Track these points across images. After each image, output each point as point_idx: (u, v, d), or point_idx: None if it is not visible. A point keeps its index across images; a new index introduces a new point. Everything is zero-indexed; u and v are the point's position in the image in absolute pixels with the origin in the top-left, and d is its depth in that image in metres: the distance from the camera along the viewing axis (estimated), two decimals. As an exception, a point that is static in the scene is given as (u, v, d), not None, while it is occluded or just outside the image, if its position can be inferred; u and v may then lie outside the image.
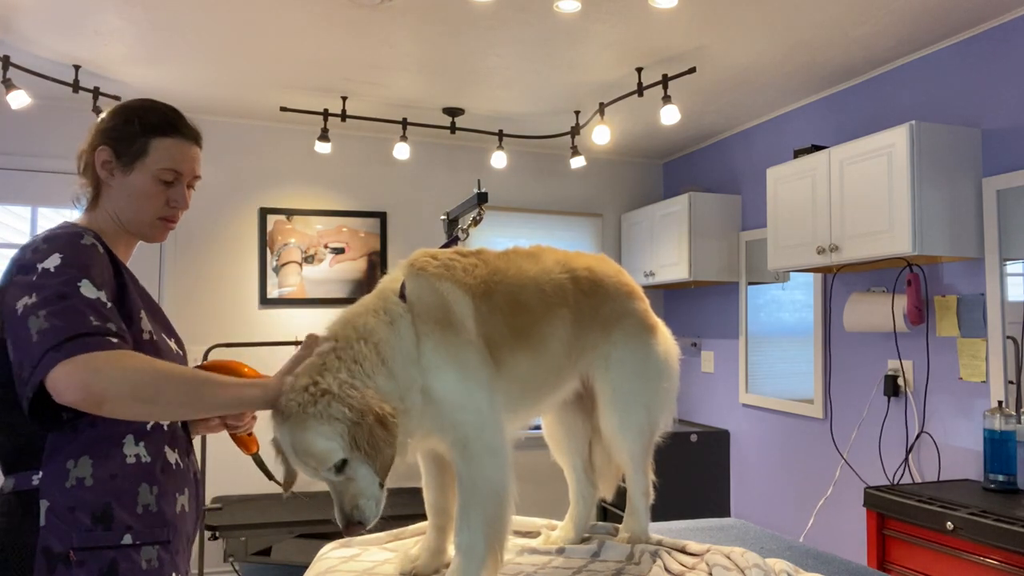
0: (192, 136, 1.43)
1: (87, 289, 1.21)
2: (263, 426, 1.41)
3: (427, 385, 1.41)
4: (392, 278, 1.53)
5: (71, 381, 1.11)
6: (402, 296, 1.46)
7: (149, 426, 1.32)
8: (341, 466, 1.28)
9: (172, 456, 1.37)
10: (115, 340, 1.18)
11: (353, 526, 1.29)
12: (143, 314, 1.34)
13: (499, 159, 4.40)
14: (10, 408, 1.25)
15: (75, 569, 1.20)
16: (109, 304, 1.23)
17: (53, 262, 1.23)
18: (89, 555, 1.21)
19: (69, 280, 1.21)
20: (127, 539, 1.25)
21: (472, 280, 1.52)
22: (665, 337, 1.83)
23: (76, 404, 1.12)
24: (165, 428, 1.35)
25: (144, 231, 1.41)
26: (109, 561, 1.23)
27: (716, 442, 4.48)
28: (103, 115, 1.43)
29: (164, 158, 1.38)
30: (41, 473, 1.23)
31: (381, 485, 1.33)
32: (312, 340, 1.39)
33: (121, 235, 1.41)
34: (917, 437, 3.20)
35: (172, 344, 1.43)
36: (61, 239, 1.27)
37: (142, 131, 1.37)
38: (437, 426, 1.43)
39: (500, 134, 4.45)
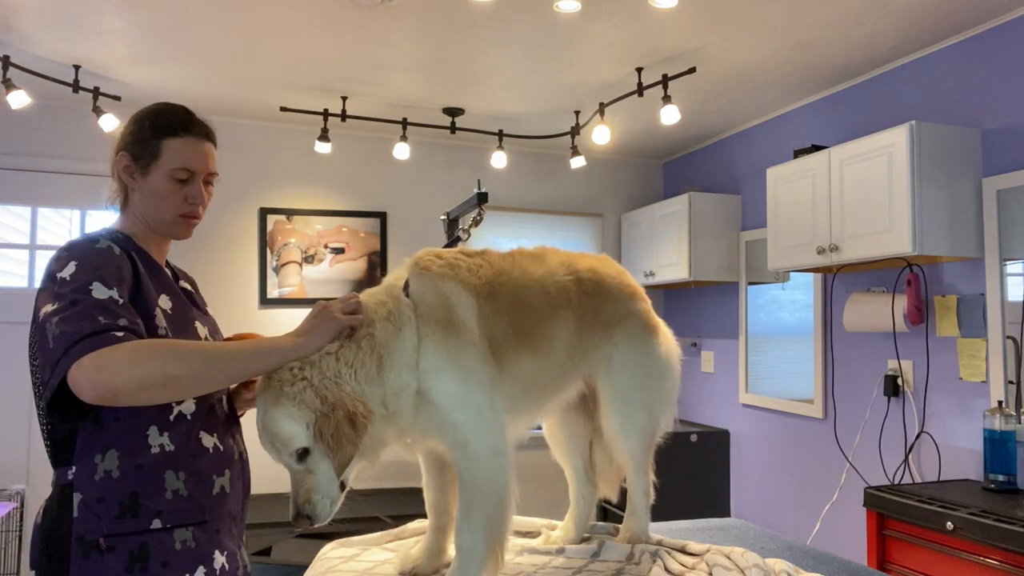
0: (203, 133, 1.47)
1: (98, 291, 1.27)
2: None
3: (426, 386, 1.41)
4: (397, 276, 1.53)
5: (84, 383, 1.18)
6: (406, 294, 1.46)
7: (172, 416, 1.36)
8: (303, 455, 1.30)
9: (209, 440, 1.41)
10: (121, 334, 1.23)
11: (301, 519, 1.30)
12: (158, 311, 1.38)
13: (499, 159, 4.40)
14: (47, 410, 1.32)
15: (106, 554, 1.27)
16: (122, 300, 1.29)
17: (69, 270, 1.30)
18: (118, 541, 1.28)
19: (81, 286, 1.27)
20: (156, 524, 1.31)
21: (477, 280, 1.52)
22: (667, 338, 1.83)
23: (96, 402, 1.19)
24: (188, 417, 1.38)
25: (168, 229, 1.46)
26: (140, 544, 1.29)
27: (716, 442, 4.48)
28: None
29: (176, 158, 1.43)
30: (75, 468, 1.30)
31: (342, 486, 1.34)
32: (352, 300, 1.42)
33: (151, 235, 1.47)
34: (917, 437, 3.20)
35: (204, 334, 1.47)
36: (77, 247, 1.34)
37: (153, 134, 1.43)
38: (436, 426, 1.42)
39: (500, 134, 4.45)
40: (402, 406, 1.39)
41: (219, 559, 1.37)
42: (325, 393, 1.28)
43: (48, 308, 1.26)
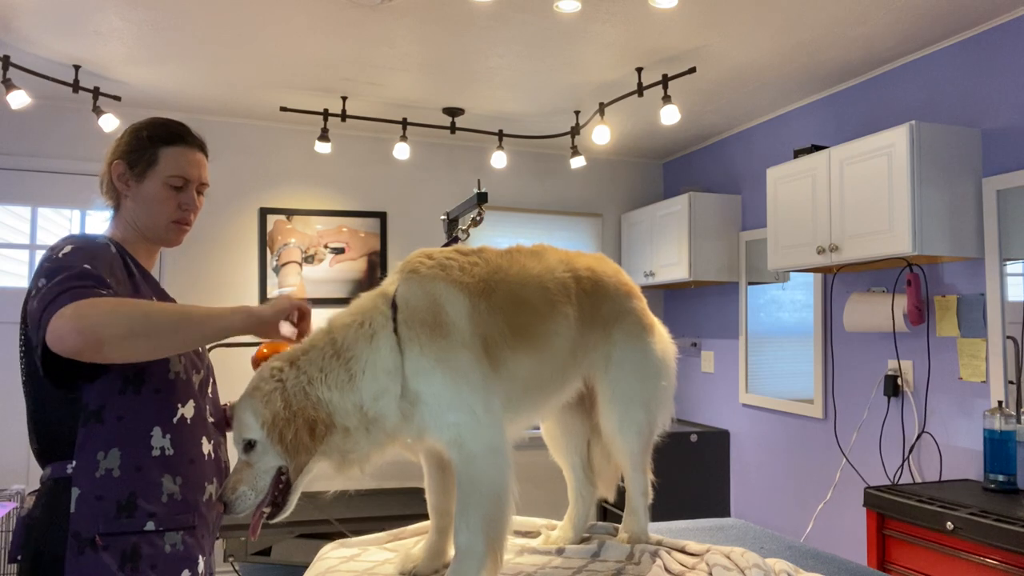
0: (197, 144, 1.55)
1: (90, 268, 1.30)
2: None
3: (416, 389, 1.40)
4: (390, 282, 1.53)
5: (65, 330, 1.15)
6: (393, 305, 1.45)
7: (175, 419, 1.41)
8: (248, 446, 1.34)
9: (207, 447, 1.47)
10: (105, 292, 1.25)
11: (218, 503, 1.34)
12: None
13: (499, 159, 4.40)
14: (42, 403, 1.35)
15: (101, 552, 1.30)
16: (109, 281, 1.31)
17: (65, 251, 1.33)
18: (113, 540, 1.31)
19: (73, 263, 1.29)
20: (150, 526, 1.35)
21: (469, 279, 1.51)
22: (662, 336, 1.83)
23: (78, 351, 1.16)
24: (188, 421, 1.43)
25: (160, 234, 1.51)
26: (132, 545, 1.33)
27: (716, 442, 4.48)
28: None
29: (172, 165, 1.49)
30: (74, 462, 1.32)
31: (282, 491, 1.35)
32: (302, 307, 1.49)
33: (141, 243, 1.51)
34: (917, 437, 3.20)
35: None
36: (78, 237, 1.40)
37: (151, 143, 1.49)
38: (432, 428, 1.42)
39: (500, 134, 4.45)
40: (383, 410, 1.38)
41: (201, 563, 1.43)
42: (290, 399, 1.32)
43: (39, 283, 1.28)
